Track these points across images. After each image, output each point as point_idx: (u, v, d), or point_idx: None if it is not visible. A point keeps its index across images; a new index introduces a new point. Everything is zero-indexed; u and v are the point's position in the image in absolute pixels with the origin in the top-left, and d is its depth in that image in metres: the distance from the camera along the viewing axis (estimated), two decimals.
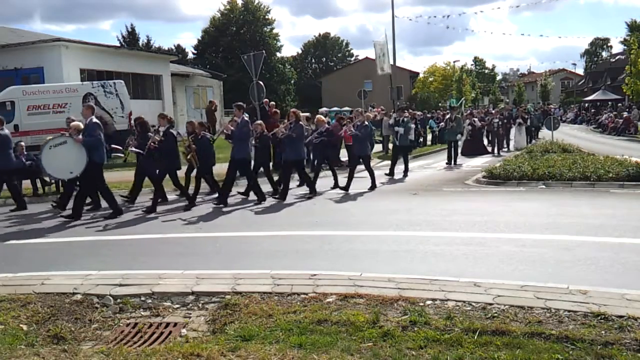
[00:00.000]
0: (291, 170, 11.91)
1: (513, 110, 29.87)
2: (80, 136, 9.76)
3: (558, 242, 6.93)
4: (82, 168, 9.70)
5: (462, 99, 26.58)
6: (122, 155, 11.92)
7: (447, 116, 20.53)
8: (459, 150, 20.83)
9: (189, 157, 11.31)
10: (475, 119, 22.38)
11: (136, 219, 9.78)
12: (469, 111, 30.32)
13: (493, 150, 22.08)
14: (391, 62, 24.88)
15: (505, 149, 22.97)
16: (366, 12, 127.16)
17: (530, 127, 26.82)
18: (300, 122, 11.65)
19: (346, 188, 12.14)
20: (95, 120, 10.01)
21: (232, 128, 11.17)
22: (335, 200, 11.40)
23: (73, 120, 10.92)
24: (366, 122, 12.87)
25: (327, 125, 13.38)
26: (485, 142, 23.00)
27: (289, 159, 11.67)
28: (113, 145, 13.39)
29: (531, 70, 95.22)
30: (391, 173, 14.95)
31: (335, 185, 12.69)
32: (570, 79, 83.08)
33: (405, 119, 15.54)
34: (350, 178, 12.30)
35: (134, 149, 11.06)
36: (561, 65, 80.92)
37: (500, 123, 22.80)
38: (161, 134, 10.47)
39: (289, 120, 11.84)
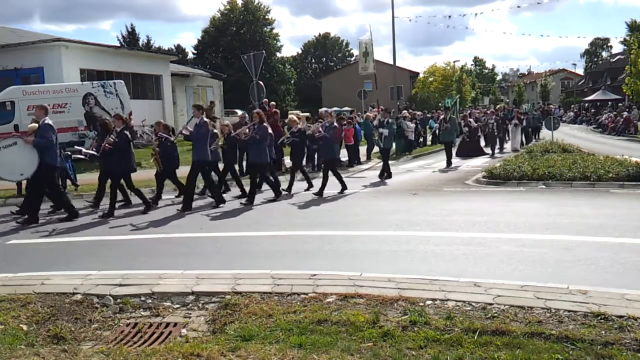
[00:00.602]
0: (257, 173, 11.46)
1: (512, 110, 29.47)
2: (32, 138, 9.53)
3: (558, 242, 6.93)
4: (33, 170, 9.53)
5: (456, 97, 25.38)
6: (84, 157, 11.81)
7: (442, 117, 19.97)
8: (454, 152, 20.59)
9: (152, 159, 11.19)
10: (471, 120, 21.91)
11: (136, 220, 9.78)
12: (469, 111, 30.22)
13: (490, 151, 21.58)
14: (391, 62, 24.90)
15: (499, 150, 22.37)
16: (366, 12, 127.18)
17: (527, 128, 26.38)
18: (265, 124, 11.25)
19: (319, 193, 11.61)
20: (48, 121, 9.73)
21: (190, 129, 10.93)
22: (335, 201, 11.40)
23: (120, 117, 10.93)
24: (335, 124, 12.34)
25: (299, 126, 13.10)
26: (483, 143, 22.65)
27: (254, 162, 11.35)
28: (77, 147, 13.10)
29: (531, 71, 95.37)
30: (388, 175, 14.71)
31: (308, 188, 12.42)
32: (570, 79, 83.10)
33: (390, 120, 15.14)
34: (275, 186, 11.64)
35: (83, 149, 10.99)
36: (561, 66, 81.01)
37: (495, 124, 22.43)
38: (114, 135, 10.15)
39: (253, 121, 11.48)
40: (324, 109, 23.80)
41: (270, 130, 11.44)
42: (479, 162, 18.31)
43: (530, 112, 30.03)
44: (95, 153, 10.60)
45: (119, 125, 10.44)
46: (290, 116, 13.90)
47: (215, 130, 11.88)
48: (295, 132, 12.71)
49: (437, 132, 24.58)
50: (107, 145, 10.03)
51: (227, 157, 12.18)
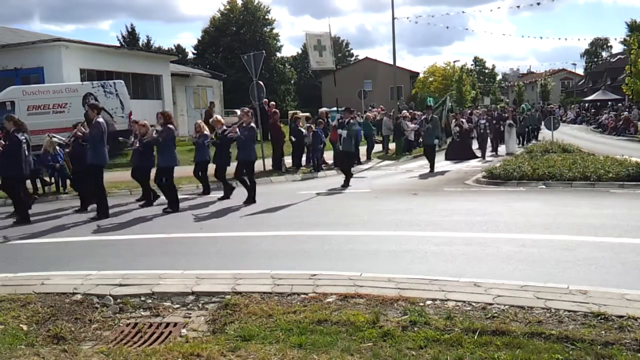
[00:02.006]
0: (166, 177, 10.49)
1: (506, 110, 28.68)
2: None
3: (558, 242, 6.93)
4: None
5: (447, 95, 23.24)
6: None
7: (423, 117, 18.21)
8: (445, 154, 19.43)
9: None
10: (463, 120, 20.69)
11: (135, 220, 9.78)
12: (469, 111, 30.09)
13: (482, 154, 20.47)
14: (391, 62, 24.75)
15: (493, 154, 21.27)
16: (365, 12, 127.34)
17: (523, 128, 25.29)
18: (169, 126, 10.42)
19: (249, 200, 10.98)
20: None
21: (84, 130, 10.56)
22: (336, 201, 11.41)
23: (12, 118, 10.02)
24: (252, 124, 11.23)
25: (224, 127, 11.92)
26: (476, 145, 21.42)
27: (160, 167, 10.54)
28: None
29: (531, 71, 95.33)
30: (346, 183, 13.21)
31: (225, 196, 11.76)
32: (570, 79, 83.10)
33: (351, 121, 13.68)
34: (250, 189, 11.14)
35: None
36: (561, 66, 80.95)
37: (487, 124, 21.17)
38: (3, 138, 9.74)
39: (158, 122, 10.80)
40: (324, 109, 23.75)
41: (174, 132, 10.68)
42: (456, 168, 17.34)
43: (525, 112, 28.63)
44: None
45: (9, 127, 9.65)
46: (214, 117, 12.75)
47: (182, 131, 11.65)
48: (219, 133, 11.81)
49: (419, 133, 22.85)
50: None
51: (141, 160, 11.29)
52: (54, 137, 13.17)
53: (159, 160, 10.59)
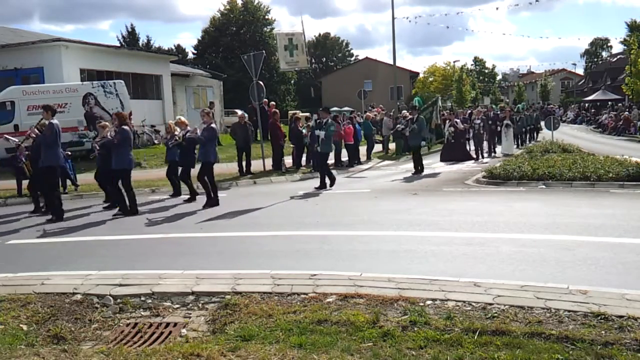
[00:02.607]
0: (118, 180, 10.28)
1: (503, 110, 26.88)
2: None
3: (558, 242, 6.93)
4: None
5: (437, 96, 22.11)
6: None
7: (409, 117, 17.50)
8: (440, 155, 18.85)
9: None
10: (458, 120, 19.77)
11: (135, 220, 9.78)
12: (469, 111, 29.97)
13: (477, 155, 19.74)
14: (391, 62, 24.64)
15: (490, 155, 20.74)
16: (365, 12, 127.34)
17: (520, 129, 24.43)
18: (124, 127, 10.20)
19: (213, 202, 10.74)
20: None
21: (37, 132, 10.31)
22: (336, 201, 11.40)
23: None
24: (212, 125, 11.01)
25: (188, 128, 11.61)
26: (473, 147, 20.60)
27: (114, 169, 10.24)
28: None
29: (531, 71, 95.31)
30: (323, 185, 12.84)
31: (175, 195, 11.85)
32: (570, 79, 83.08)
33: (329, 121, 13.26)
34: (211, 191, 10.92)
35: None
36: (561, 66, 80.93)
37: (482, 124, 20.25)
38: None
39: (113, 123, 10.61)
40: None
41: (130, 134, 10.34)
42: (455, 168, 17.11)
43: (522, 112, 27.55)
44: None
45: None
46: (177, 117, 12.39)
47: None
48: (184, 135, 11.49)
49: (389, 134, 21.97)
50: None
51: (100, 162, 11.03)
52: (10, 139, 12.96)
53: (113, 162, 10.18)
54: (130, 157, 10.34)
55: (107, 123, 11.29)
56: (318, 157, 13.51)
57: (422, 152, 21.41)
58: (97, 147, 10.87)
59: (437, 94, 62.92)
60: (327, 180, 12.88)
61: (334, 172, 13.54)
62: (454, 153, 19.02)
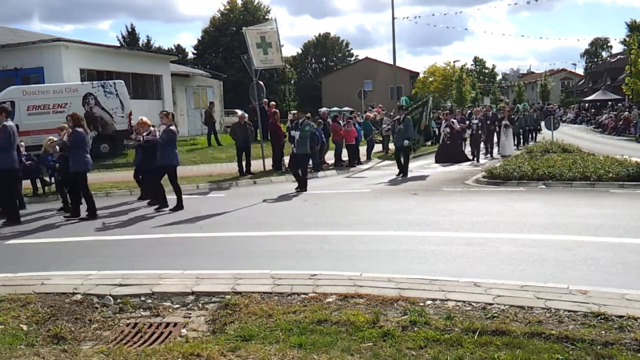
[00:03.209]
0: (77, 182, 10.15)
1: (501, 110, 26.30)
2: None
3: (558, 242, 6.93)
4: None
5: (429, 96, 21.14)
6: None
7: (395, 117, 16.99)
8: (435, 157, 18.45)
9: None
10: (454, 121, 19.40)
11: (135, 220, 9.78)
12: (468, 111, 29.92)
13: (473, 157, 19.27)
14: (391, 62, 24.56)
15: (488, 156, 20.25)
16: (365, 12, 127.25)
17: (518, 129, 23.90)
18: (78, 129, 9.91)
19: (178, 207, 10.45)
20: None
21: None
22: (336, 201, 11.41)
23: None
24: (172, 127, 10.67)
25: (150, 129, 11.19)
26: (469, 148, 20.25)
27: (71, 171, 10.07)
28: None
29: (531, 71, 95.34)
30: (302, 187, 12.51)
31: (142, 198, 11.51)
32: (570, 79, 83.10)
33: (304, 122, 12.91)
34: (161, 195, 10.67)
35: None
36: (561, 66, 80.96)
37: (479, 125, 19.75)
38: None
39: (67, 124, 10.32)
40: (324, 108, 23.70)
41: (84, 135, 9.99)
42: (448, 170, 16.80)
43: (521, 112, 26.89)
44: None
45: None
46: (140, 118, 11.86)
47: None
48: (144, 136, 11.16)
49: (388, 134, 21.02)
50: None
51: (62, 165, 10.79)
52: None
53: (70, 165, 9.95)
54: (86, 159, 9.99)
55: (64, 125, 10.94)
56: (294, 158, 13.07)
57: (424, 151, 21.22)
58: (59, 150, 10.69)
59: (436, 94, 63.04)
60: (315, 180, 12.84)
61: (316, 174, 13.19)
62: (450, 154, 18.63)
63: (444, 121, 19.65)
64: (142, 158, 11.42)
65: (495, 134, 21.26)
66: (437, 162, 18.33)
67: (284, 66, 14.60)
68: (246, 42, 15.79)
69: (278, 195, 11.95)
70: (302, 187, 12.51)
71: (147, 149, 11.06)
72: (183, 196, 11.14)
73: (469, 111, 28.90)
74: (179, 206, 10.46)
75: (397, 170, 15.35)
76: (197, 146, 22.80)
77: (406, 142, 15.14)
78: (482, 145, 20.49)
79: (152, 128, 11.20)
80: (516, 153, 19.32)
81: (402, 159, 15.24)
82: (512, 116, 22.97)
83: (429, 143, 20.70)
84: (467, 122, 21.14)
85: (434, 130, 20.31)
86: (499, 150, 20.86)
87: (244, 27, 17.32)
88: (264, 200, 11.38)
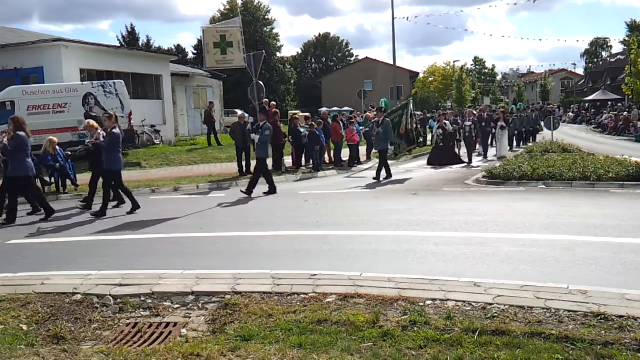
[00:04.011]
0: (17, 186, 9.93)
1: (497, 111, 25.24)
2: None
3: (558, 242, 6.93)
4: None
5: (408, 100, 19.20)
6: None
7: (374, 120, 16.15)
8: (427, 159, 17.78)
9: None
10: (447, 122, 18.61)
11: (135, 220, 9.78)
12: (467, 111, 29.77)
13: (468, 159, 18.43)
14: (391, 62, 24.46)
15: (481, 159, 19.52)
16: (365, 12, 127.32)
17: (513, 131, 22.99)
18: (19, 133, 9.64)
19: (100, 213, 10.13)
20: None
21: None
22: (336, 201, 11.40)
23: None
24: (115, 130, 10.33)
25: (98, 132, 10.77)
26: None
27: (8, 176, 9.83)
28: None
29: (531, 71, 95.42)
30: (248, 191, 11.92)
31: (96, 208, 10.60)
32: (570, 79, 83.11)
33: (265, 125, 12.25)
34: (105, 201, 10.35)
35: None
36: (561, 66, 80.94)
37: (473, 126, 18.97)
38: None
39: (9, 127, 9.97)
40: (324, 109, 23.66)
41: (26, 139, 9.74)
42: (436, 172, 16.23)
43: (515, 113, 26.00)
44: None
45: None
46: (86, 121, 11.57)
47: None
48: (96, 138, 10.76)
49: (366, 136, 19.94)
50: None
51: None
52: None
53: (9, 169, 9.75)
54: (27, 164, 9.73)
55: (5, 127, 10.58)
56: (256, 163, 12.49)
57: (424, 152, 20.72)
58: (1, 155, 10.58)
59: (436, 94, 63.07)
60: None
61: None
62: (442, 157, 17.96)
63: (436, 123, 18.97)
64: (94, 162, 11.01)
65: (490, 136, 20.74)
66: (429, 164, 17.78)
67: (244, 66, 13.69)
68: (202, 41, 15.31)
69: (278, 196, 11.95)
70: (272, 189, 12.13)
71: (95, 153, 10.73)
72: (183, 196, 11.19)
73: (467, 111, 28.43)
74: (105, 209, 10.14)
75: (395, 170, 15.27)
76: (197, 146, 22.80)
77: (391, 148, 14.15)
78: (477, 146, 19.88)
79: (99, 131, 10.79)
80: (511, 155, 18.41)
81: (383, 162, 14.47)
82: (507, 117, 22.10)
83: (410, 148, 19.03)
84: (461, 123, 20.32)
85: (417, 132, 18.86)
86: (495, 153, 20.24)
87: (202, 25, 17.13)
88: (317, 193, 11.15)
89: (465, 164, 17.95)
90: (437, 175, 15.44)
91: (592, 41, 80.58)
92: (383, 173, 14.39)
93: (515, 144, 23.96)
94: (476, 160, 18.76)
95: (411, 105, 17.23)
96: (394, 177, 14.61)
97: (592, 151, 18.86)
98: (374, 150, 14.42)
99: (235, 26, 15.70)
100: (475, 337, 3.92)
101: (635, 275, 5.54)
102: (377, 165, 14.81)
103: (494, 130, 20.36)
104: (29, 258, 7.22)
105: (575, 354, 3.65)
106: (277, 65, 59.03)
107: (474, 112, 22.88)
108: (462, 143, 19.63)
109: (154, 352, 3.92)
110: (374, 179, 14.29)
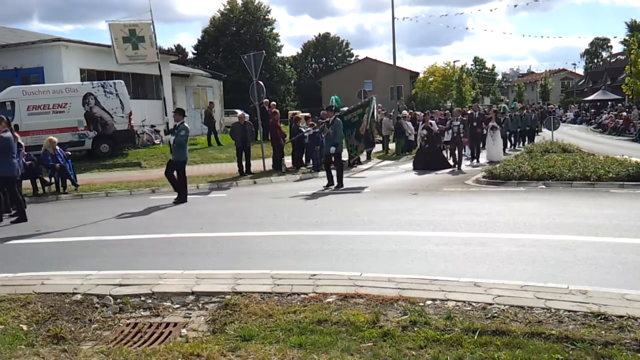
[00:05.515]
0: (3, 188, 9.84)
1: (488, 110, 23.76)
2: None
3: (558, 242, 6.93)
4: None
5: (371, 97, 17.97)
6: None
7: (325, 119, 14.55)
8: (412, 163, 16.40)
9: None
10: (432, 122, 17.14)
11: (135, 220, 9.79)
12: (455, 109, 29.33)
13: (455, 163, 16.66)
14: (391, 61, 24.39)
15: (469, 162, 17.85)
16: (364, 12, 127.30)
17: (505, 132, 21.34)
18: (4, 134, 9.46)
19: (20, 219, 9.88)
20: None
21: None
22: (336, 201, 11.40)
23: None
24: (5, 134, 9.62)
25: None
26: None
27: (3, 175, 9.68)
28: None
29: (531, 71, 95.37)
30: (182, 198, 11.34)
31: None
32: (570, 79, 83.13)
33: (181, 125, 11.36)
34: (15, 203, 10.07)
35: None
36: (561, 66, 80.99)
37: (461, 126, 16.86)
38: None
39: None
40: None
41: (10, 142, 9.60)
42: (408, 178, 15.02)
43: (507, 112, 24.29)
44: None
45: None
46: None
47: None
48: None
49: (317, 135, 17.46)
50: None
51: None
52: None
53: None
54: (12, 165, 9.65)
55: None
56: (169, 164, 11.73)
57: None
58: None
59: (436, 94, 63.00)
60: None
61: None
62: (428, 160, 16.38)
63: (421, 123, 17.61)
64: None
65: (481, 138, 18.93)
66: (415, 168, 16.38)
67: (158, 62, 12.87)
68: (110, 36, 14.86)
69: (278, 196, 11.95)
70: (180, 197, 11.29)
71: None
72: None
73: (468, 111, 27.59)
74: (22, 218, 9.87)
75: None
76: (197, 146, 22.81)
77: (332, 149, 12.85)
78: (466, 149, 18.05)
79: None
80: (505, 158, 16.99)
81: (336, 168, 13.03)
82: (499, 117, 20.74)
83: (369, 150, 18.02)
84: (448, 122, 18.18)
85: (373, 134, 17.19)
86: (487, 156, 18.81)
87: (107, 21, 16.41)
88: (317, 193, 11.01)
89: (453, 169, 16.29)
90: (440, 175, 15.27)
91: (592, 41, 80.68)
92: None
93: (509, 145, 22.80)
94: (465, 165, 17.11)
95: (374, 103, 15.91)
96: (324, 188, 12.85)
97: (592, 151, 18.86)
98: (330, 151, 12.91)
99: (146, 21, 15.18)
100: (475, 337, 3.92)
101: (635, 275, 5.53)
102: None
103: (485, 131, 18.77)
104: (29, 258, 7.22)
105: (575, 354, 3.65)
106: (277, 65, 59.05)
107: (461, 109, 21.26)
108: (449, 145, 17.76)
109: (154, 352, 3.92)
110: (337, 187, 12.84)
